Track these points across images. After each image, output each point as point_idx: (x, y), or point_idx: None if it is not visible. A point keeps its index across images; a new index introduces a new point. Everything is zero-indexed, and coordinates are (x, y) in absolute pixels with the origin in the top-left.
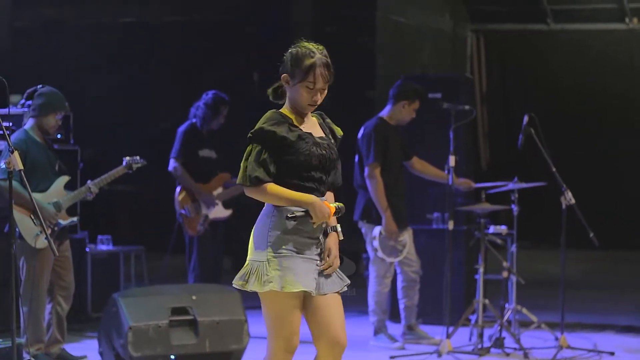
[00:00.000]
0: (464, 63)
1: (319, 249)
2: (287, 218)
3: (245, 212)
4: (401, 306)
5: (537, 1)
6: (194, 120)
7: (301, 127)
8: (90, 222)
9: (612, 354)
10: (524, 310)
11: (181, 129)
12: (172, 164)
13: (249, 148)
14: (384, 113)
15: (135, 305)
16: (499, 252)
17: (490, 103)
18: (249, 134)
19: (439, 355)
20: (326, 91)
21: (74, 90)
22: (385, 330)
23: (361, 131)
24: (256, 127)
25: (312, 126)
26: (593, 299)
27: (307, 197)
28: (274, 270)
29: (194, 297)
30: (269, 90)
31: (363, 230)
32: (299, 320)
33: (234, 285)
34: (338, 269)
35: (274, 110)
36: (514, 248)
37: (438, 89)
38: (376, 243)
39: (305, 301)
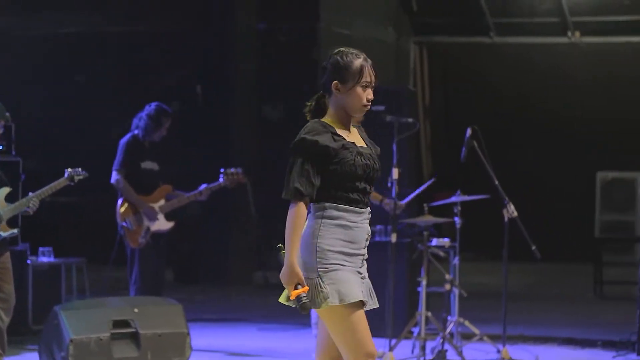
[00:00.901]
0: (407, 75)
1: (362, 264)
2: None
3: (188, 224)
4: None
5: (480, 14)
6: (136, 132)
7: (346, 136)
8: (32, 234)
9: None
10: (466, 323)
11: (123, 140)
12: (115, 176)
13: (291, 160)
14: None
15: (77, 318)
16: (442, 264)
17: (433, 116)
18: (291, 146)
19: None
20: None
21: (15, 101)
22: None
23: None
24: (297, 137)
25: (355, 136)
26: (535, 311)
27: (292, 258)
28: (329, 285)
29: (135, 310)
30: (308, 109)
31: None
32: (367, 326)
33: (286, 304)
34: (372, 289)
35: (316, 120)
36: (456, 260)
37: (381, 101)
38: None
39: None
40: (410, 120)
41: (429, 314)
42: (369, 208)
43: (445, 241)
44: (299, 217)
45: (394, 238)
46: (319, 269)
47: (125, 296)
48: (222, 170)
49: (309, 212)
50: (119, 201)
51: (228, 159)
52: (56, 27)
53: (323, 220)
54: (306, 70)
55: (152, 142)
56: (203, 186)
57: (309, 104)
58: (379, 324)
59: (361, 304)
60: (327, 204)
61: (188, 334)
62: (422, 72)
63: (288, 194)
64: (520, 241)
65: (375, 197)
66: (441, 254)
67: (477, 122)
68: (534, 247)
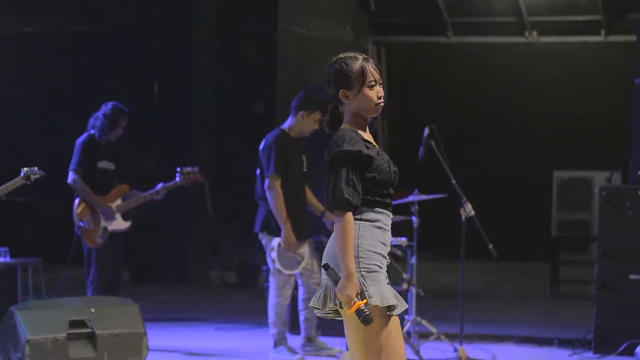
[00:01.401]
0: None
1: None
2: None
3: (145, 224)
4: (301, 318)
5: (438, 14)
6: (92, 132)
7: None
8: None
9: None
10: (424, 322)
11: (79, 140)
12: (71, 176)
13: (333, 170)
14: (285, 125)
15: (33, 318)
16: (399, 263)
17: (391, 115)
18: (332, 156)
19: None
20: (382, 89)
21: None
22: (285, 342)
23: (262, 143)
24: (338, 148)
25: (372, 141)
26: (492, 310)
27: (352, 268)
28: (371, 286)
29: (92, 310)
30: (326, 124)
31: (263, 242)
32: (388, 336)
33: (313, 306)
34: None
35: (347, 128)
36: (414, 260)
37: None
38: (274, 254)
39: None
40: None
41: None
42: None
43: (403, 240)
44: (351, 227)
45: None
46: (361, 269)
47: (82, 296)
48: (178, 169)
49: None
50: (76, 201)
51: (185, 158)
52: (14, 27)
53: (362, 222)
54: (265, 70)
55: (108, 142)
56: (159, 185)
57: (324, 118)
58: (336, 323)
59: (392, 308)
60: (364, 208)
61: (145, 334)
62: (380, 71)
63: (337, 205)
64: (477, 240)
65: (317, 207)
66: (398, 253)
67: (435, 122)
68: (490, 246)
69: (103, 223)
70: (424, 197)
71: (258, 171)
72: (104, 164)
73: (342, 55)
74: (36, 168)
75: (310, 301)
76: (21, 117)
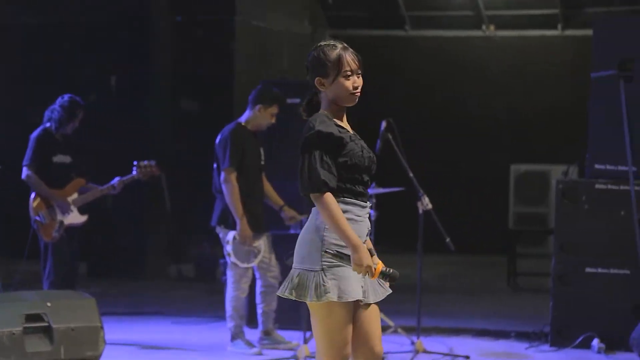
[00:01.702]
0: None
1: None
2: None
3: (102, 217)
4: (259, 311)
5: (395, 7)
6: (47, 125)
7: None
8: None
9: (467, 357)
10: (381, 315)
11: (34, 135)
12: (25, 171)
13: (307, 154)
14: (242, 118)
15: None
16: None
17: (349, 108)
18: (305, 139)
19: None
20: (361, 80)
21: None
22: (243, 335)
23: (218, 137)
24: (310, 131)
25: (350, 129)
26: (449, 303)
27: (355, 240)
28: (330, 280)
29: (48, 304)
30: (302, 109)
31: (220, 236)
32: (351, 330)
33: (283, 296)
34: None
35: (320, 112)
36: None
37: (297, 94)
38: (229, 248)
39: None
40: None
41: None
42: (369, 203)
43: None
44: (333, 203)
45: None
46: (323, 263)
47: (38, 290)
48: (135, 162)
49: (314, 206)
50: (32, 195)
51: (143, 151)
52: None
53: None
54: (222, 63)
55: (64, 135)
56: (116, 179)
57: (302, 104)
58: (294, 316)
59: (355, 302)
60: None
61: (102, 327)
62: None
63: (314, 187)
64: (435, 233)
65: (276, 201)
66: None
67: (392, 115)
68: (448, 239)
69: (59, 217)
70: (382, 190)
71: (215, 165)
72: (59, 158)
73: (321, 43)
74: None
75: (279, 290)
76: None
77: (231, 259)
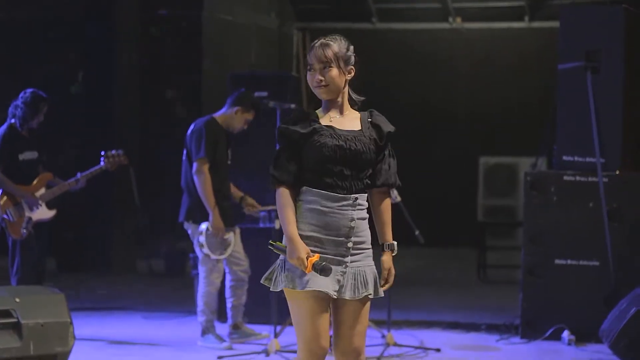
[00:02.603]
0: (290, 62)
1: (347, 250)
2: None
3: (70, 211)
4: (228, 305)
5: (362, 0)
6: (12, 121)
7: (328, 121)
8: None
9: (438, 350)
10: None
11: None
12: None
13: (276, 149)
14: (217, 114)
15: None
16: None
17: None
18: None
19: (267, 354)
20: (333, 72)
21: None
22: (214, 330)
23: (190, 127)
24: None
25: (342, 121)
26: (419, 296)
27: (291, 232)
28: (287, 270)
29: (17, 300)
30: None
31: (189, 232)
32: (324, 321)
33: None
34: (369, 278)
35: (299, 107)
36: None
37: (265, 87)
38: (202, 239)
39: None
40: (293, 106)
41: None
42: (355, 195)
43: None
44: (282, 196)
45: (277, 224)
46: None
47: (6, 286)
48: (102, 152)
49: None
50: None
51: (111, 146)
52: None
53: (298, 203)
54: (189, 57)
55: (30, 130)
56: (79, 174)
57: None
58: (264, 310)
59: (320, 293)
60: (303, 188)
61: (71, 323)
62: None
63: (269, 183)
64: (404, 226)
65: (236, 194)
66: None
67: (360, 108)
68: (417, 232)
69: (27, 213)
70: None
71: (184, 157)
72: (26, 155)
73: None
74: None
75: (262, 279)
76: None
77: (204, 250)
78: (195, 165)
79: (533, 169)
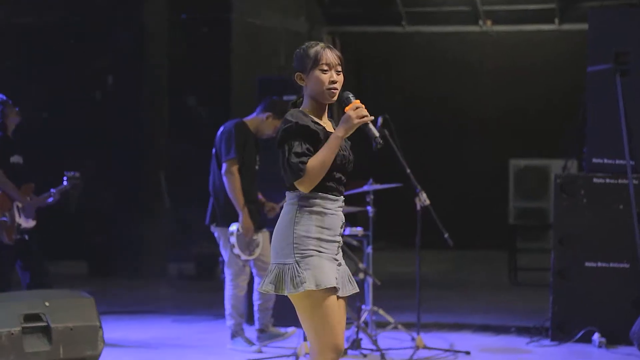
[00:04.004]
0: None
1: (338, 251)
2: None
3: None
4: (255, 308)
5: (392, 3)
6: None
7: (323, 124)
8: None
9: (468, 353)
10: (381, 312)
11: None
12: None
13: (285, 145)
14: (247, 118)
15: None
16: (355, 253)
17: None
18: (282, 132)
19: (297, 357)
20: (342, 77)
21: None
22: (243, 333)
23: (220, 129)
24: (287, 124)
25: (329, 127)
26: (449, 299)
27: (336, 136)
28: (305, 270)
29: (47, 303)
30: (292, 104)
31: (216, 235)
32: (339, 317)
33: (261, 291)
34: (350, 274)
35: (295, 109)
36: (369, 249)
37: (293, 91)
38: (233, 239)
39: None
40: None
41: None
42: (342, 197)
43: (358, 230)
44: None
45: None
46: (295, 255)
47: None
48: (65, 173)
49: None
50: None
51: (141, 149)
52: None
53: (299, 207)
54: (218, 61)
55: (15, 133)
56: (52, 190)
57: (293, 101)
58: (293, 313)
59: (335, 290)
60: (302, 193)
61: (100, 327)
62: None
63: (295, 176)
64: (433, 229)
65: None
66: (354, 243)
67: (390, 111)
68: (446, 235)
69: (17, 219)
70: (379, 186)
71: (213, 160)
72: (15, 159)
73: (306, 43)
74: None
75: (259, 286)
76: None
77: (235, 250)
78: (224, 165)
79: (563, 172)
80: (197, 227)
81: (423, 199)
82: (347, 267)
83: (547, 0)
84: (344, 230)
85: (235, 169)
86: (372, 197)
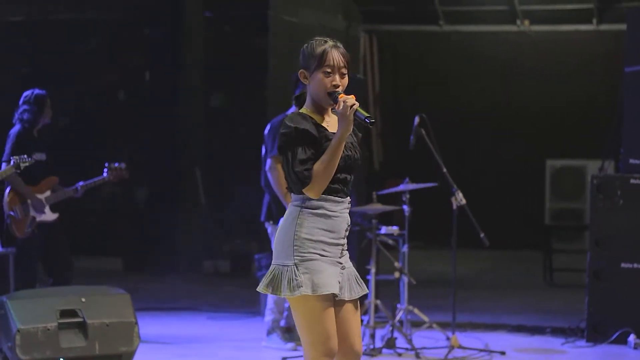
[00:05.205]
0: (357, 64)
1: (343, 254)
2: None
3: (136, 212)
4: (286, 305)
5: (429, 2)
6: (21, 123)
7: (325, 126)
8: None
9: (503, 353)
10: (416, 311)
11: (13, 131)
12: (3, 167)
13: (289, 152)
14: (290, 112)
15: (24, 308)
16: (391, 252)
17: (383, 104)
18: (283, 138)
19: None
20: (347, 79)
21: None
22: (280, 330)
23: (267, 127)
24: (286, 129)
25: (334, 125)
26: (484, 298)
27: (338, 138)
28: (303, 274)
29: (83, 299)
30: (294, 100)
31: (269, 231)
32: (334, 323)
33: (259, 291)
34: (357, 275)
35: (294, 112)
36: (405, 248)
37: None
38: None
39: None
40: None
41: (378, 302)
42: (348, 197)
43: (394, 229)
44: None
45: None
46: (295, 257)
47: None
48: (106, 164)
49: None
50: (7, 190)
51: (176, 147)
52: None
53: (303, 209)
54: (255, 58)
55: (40, 132)
56: (80, 183)
57: (297, 95)
58: None
59: (333, 296)
60: (305, 195)
61: (136, 323)
62: (372, 60)
63: (304, 184)
64: (469, 229)
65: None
66: (390, 242)
67: (426, 110)
68: (482, 235)
69: (32, 213)
70: (415, 186)
71: (263, 157)
72: (37, 156)
73: (316, 38)
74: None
75: (258, 287)
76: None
77: None
78: (268, 161)
79: (600, 172)
80: (232, 224)
81: (459, 198)
82: (354, 269)
83: (585, 0)
84: (379, 229)
85: (279, 165)
86: (408, 196)
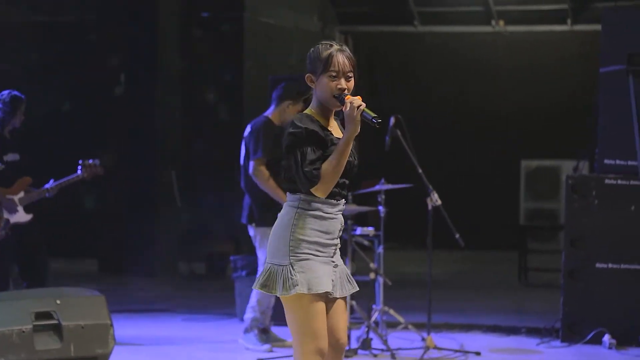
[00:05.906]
0: None
1: (336, 253)
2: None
3: (112, 214)
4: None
5: (404, 3)
6: None
7: (330, 130)
8: None
9: (478, 354)
10: (391, 312)
11: None
12: None
13: (297, 151)
14: (268, 113)
15: None
16: (366, 253)
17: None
18: (291, 137)
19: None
20: (353, 82)
21: None
22: (257, 330)
23: (248, 129)
24: (295, 129)
25: (336, 130)
26: (459, 299)
27: (346, 138)
28: (298, 273)
29: (57, 301)
30: (302, 99)
31: (252, 234)
32: (325, 323)
33: (254, 289)
34: (349, 273)
35: (301, 113)
36: (381, 249)
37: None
38: None
39: None
40: None
41: (354, 303)
42: (344, 200)
43: (370, 230)
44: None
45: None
46: (290, 257)
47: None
48: (80, 161)
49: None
50: None
51: (153, 148)
52: None
53: (299, 210)
54: (231, 60)
55: (12, 132)
56: (51, 181)
57: (305, 97)
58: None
59: (326, 294)
60: (303, 195)
61: (111, 325)
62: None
63: (312, 183)
64: (445, 229)
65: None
66: (365, 242)
67: (401, 111)
68: (457, 235)
69: (5, 215)
70: (391, 186)
71: (242, 160)
72: (9, 157)
73: (323, 41)
74: None
75: (254, 285)
76: None
77: None
78: (251, 165)
79: (575, 173)
80: (208, 226)
81: (434, 199)
82: (345, 267)
83: (560, 1)
84: (355, 230)
85: (262, 168)
86: (383, 197)
